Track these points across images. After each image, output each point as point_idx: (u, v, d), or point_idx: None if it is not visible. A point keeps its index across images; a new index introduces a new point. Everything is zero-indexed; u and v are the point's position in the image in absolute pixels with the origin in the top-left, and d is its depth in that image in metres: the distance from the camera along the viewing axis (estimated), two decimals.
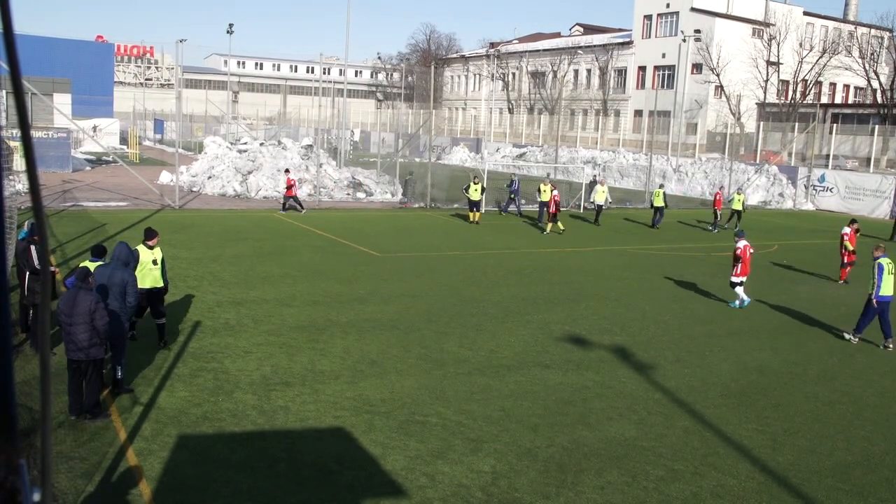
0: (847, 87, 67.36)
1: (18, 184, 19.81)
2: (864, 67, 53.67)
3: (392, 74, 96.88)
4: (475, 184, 27.49)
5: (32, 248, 11.22)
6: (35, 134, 34.14)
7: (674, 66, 62.04)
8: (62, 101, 46.28)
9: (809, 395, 11.00)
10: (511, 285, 17.31)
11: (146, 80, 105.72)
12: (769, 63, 58.59)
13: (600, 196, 29.74)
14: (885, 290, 13.57)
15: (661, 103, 47.34)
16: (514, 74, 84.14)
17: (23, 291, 11.51)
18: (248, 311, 13.77)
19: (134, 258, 11.12)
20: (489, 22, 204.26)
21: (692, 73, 61.62)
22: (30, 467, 1.25)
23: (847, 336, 14.06)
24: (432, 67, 46.50)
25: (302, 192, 32.03)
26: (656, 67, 68.42)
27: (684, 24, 62.08)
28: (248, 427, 8.71)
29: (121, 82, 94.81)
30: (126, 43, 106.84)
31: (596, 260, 21.54)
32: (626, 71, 71.77)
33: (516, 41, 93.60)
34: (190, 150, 49.52)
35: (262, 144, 38.05)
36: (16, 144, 27.19)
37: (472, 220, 27.55)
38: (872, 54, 54.78)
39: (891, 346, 13.66)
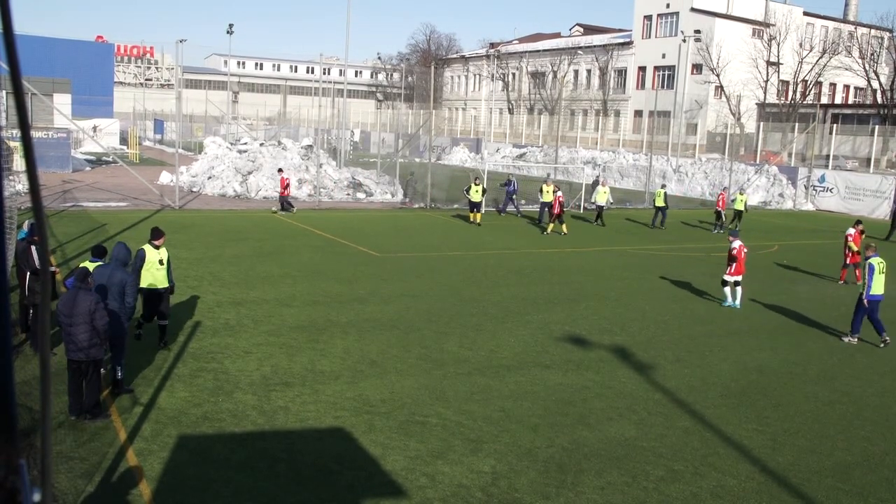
0: (847, 87, 67.39)
1: (18, 184, 19.81)
2: (864, 68, 53.68)
3: (392, 74, 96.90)
4: (476, 185, 27.55)
5: (32, 248, 11.21)
6: (35, 134, 34.13)
7: (674, 66, 62.04)
8: (62, 102, 46.31)
9: (809, 395, 11.01)
10: (511, 285, 17.31)
11: (146, 80, 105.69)
12: (769, 63, 58.59)
13: (602, 197, 29.80)
14: (876, 289, 13.76)
15: (661, 103, 47.35)
16: (514, 75, 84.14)
17: (23, 291, 11.51)
18: (248, 311, 13.77)
19: (139, 258, 11.13)
20: (489, 22, 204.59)
21: (692, 73, 61.63)
22: (30, 467, 1.25)
23: (846, 339, 14.12)
24: (432, 68, 46.53)
25: (302, 193, 32.07)
26: (656, 68, 68.43)
27: (684, 24, 62.09)
28: (248, 427, 8.71)
29: (121, 82, 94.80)
30: (126, 43, 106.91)
31: (596, 260, 21.54)
32: (626, 71, 71.78)
33: (516, 41, 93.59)
34: (190, 151, 49.53)
35: (262, 145, 38.02)
36: (16, 144, 27.20)
37: (472, 220, 27.59)
38: (872, 54, 54.80)
39: (888, 339, 13.74)
